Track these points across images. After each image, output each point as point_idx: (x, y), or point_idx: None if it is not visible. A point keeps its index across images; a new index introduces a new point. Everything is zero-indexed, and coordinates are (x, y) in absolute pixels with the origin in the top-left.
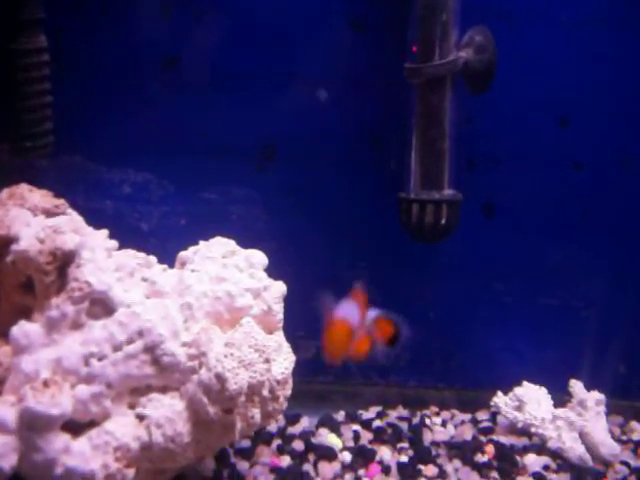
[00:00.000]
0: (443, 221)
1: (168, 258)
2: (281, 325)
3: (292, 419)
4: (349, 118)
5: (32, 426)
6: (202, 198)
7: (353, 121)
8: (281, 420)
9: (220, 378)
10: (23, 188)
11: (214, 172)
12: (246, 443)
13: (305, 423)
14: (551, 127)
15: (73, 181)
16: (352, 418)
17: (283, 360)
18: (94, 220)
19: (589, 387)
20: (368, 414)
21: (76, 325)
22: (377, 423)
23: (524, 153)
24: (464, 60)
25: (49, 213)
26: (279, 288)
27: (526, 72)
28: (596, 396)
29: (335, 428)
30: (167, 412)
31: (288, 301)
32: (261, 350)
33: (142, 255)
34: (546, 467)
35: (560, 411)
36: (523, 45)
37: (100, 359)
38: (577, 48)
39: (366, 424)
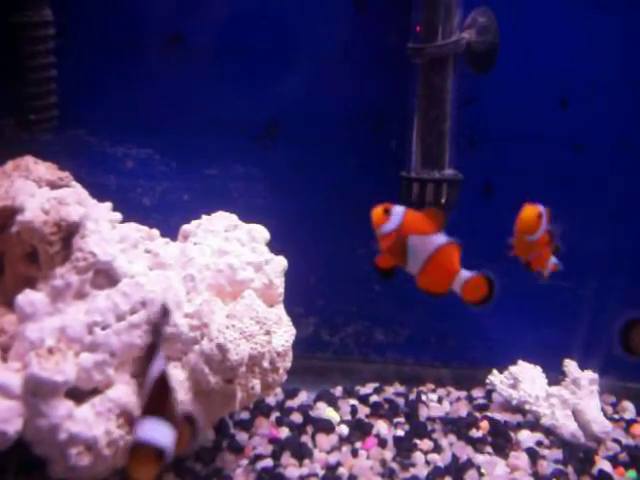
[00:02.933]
0: (443, 200)
1: (170, 234)
2: (282, 299)
3: (290, 393)
4: (351, 96)
5: (37, 392)
6: (205, 174)
7: (355, 99)
8: (280, 394)
9: (222, 348)
10: (28, 160)
11: (217, 148)
12: (245, 415)
13: (303, 397)
14: (552, 108)
15: (76, 156)
16: (349, 393)
17: (283, 333)
18: (97, 195)
19: (583, 367)
20: (365, 389)
21: (80, 295)
22: (374, 398)
23: (525, 134)
24: (467, 41)
25: (53, 185)
26: (280, 262)
27: (528, 53)
28: (589, 375)
29: (333, 402)
30: None
31: (288, 278)
32: (262, 322)
33: (145, 228)
34: (539, 443)
35: (554, 389)
36: (526, 26)
37: (104, 328)
38: (579, 30)
39: (363, 399)
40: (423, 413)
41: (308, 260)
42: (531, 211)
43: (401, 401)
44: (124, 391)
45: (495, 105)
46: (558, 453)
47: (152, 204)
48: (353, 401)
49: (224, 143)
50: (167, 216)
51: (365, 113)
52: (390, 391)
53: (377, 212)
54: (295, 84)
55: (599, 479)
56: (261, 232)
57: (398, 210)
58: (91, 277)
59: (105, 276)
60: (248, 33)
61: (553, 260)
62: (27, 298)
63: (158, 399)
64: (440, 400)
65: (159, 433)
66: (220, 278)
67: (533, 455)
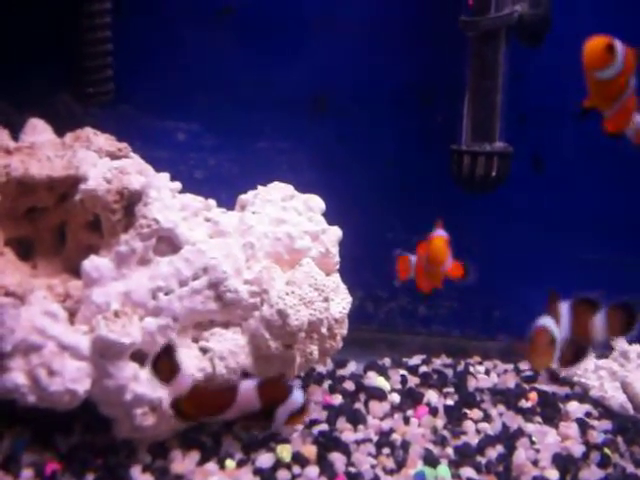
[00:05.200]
0: (494, 173)
1: (221, 207)
2: (337, 267)
3: (340, 363)
4: (399, 70)
5: (104, 353)
6: (254, 148)
7: (403, 73)
8: (329, 364)
9: (282, 314)
10: (88, 131)
11: (266, 122)
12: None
13: (353, 367)
14: None
15: (128, 130)
16: (398, 364)
17: (341, 300)
18: None
19: (631, 342)
20: (413, 361)
21: (144, 261)
22: (423, 369)
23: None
24: (519, 14)
25: (113, 156)
26: (336, 232)
27: (579, 27)
28: (638, 349)
29: (383, 372)
30: (230, 346)
31: None
32: (320, 289)
33: (201, 199)
34: (588, 414)
35: (602, 362)
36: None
37: (167, 293)
38: (632, 4)
39: (412, 369)
40: (471, 384)
41: (354, 233)
42: (598, 41)
43: (449, 372)
44: (186, 355)
45: (545, 79)
46: (607, 424)
47: (203, 177)
48: (402, 371)
49: (273, 117)
50: (217, 190)
51: (413, 87)
52: (437, 362)
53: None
54: (343, 58)
55: None
56: (317, 202)
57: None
58: (154, 244)
59: (168, 243)
60: (297, 6)
61: None
62: (93, 263)
63: None
64: (487, 372)
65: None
66: (278, 246)
67: (583, 425)
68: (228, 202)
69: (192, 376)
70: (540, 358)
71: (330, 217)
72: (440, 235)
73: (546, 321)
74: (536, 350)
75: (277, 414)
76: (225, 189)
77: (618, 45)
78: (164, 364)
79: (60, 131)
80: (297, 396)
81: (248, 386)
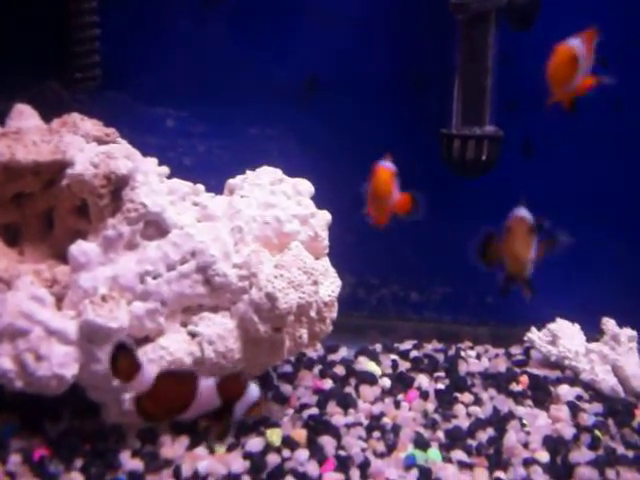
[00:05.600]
0: (484, 157)
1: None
2: (327, 251)
3: (331, 349)
4: (390, 54)
5: (92, 338)
6: (244, 134)
7: (394, 57)
8: (320, 349)
9: (271, 297)
10: (75, 117)
11: (256, 108)
12: (288, 368)
13: (344, 352)
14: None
15: (116, 116)
16: (389, 349)
17: (330, 284)
18: None
19: (622, 326)
20: (404, 346)
21: (131, 245)
22: (414, 353)
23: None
24: None
25: (100, 141)
26: (325, 216)
27: (569, 11)
28: (629, 332)
29: (374, 357)
30: (219, 330)
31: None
32: (309, 272)
33: (189, 184)
34: (579, 397)
35: (593, 345)
36: None
37: (155, 277)
38: None
39: (403, 354)
40: (462, 368)
41: (345, 220)
42: (562, 55)
43: (440, 357)
44: (175, 339)
45: (534, 63)
46: (598, 407)
47: (193, 164)
48: (393, 356)
49: (262, 103)
50: (207, 176)
51: (404, 72)
52: (429, 347)
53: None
54: (332, 44)
55: None
56: (306, 186)
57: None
58: (142, 228)
59: (155, 227)
60: None
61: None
62: (80, 248)
63: None
64: (479, 356)
65: None
66: (267, 230)
67: (574, 408)
68: (218, 188)
69: (153, 374)
70: (519, 248)
71: (320, 202)
72: (384, 167)
73: (522, 211)
74: (515, 240)
75: (235, 409)
76: (215, 176)
77: (579, 50)
78: (123, 363)
79: (48, 118)
80: (253, 390)
81: (208, 384)
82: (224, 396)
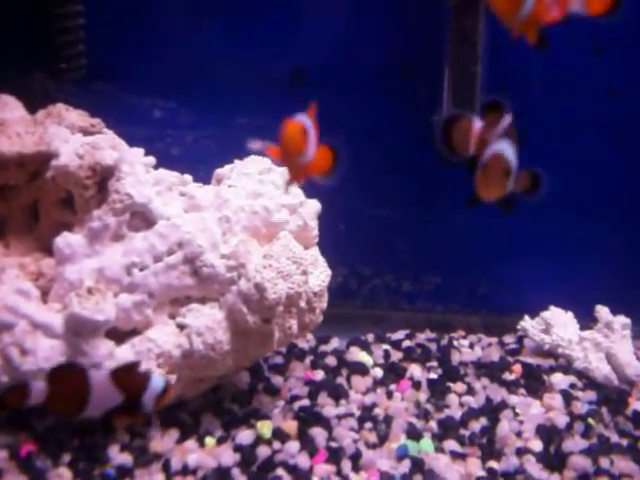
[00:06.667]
0: None
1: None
2: (316, 241)
3: (323, 339)
4: (378, 44)
5: (78, 331)
6: (232, 124)
7: (384, 47)
8: (312, 340)
9: (259, 288)
10: (60, 107)
11: (245, 98)
12: (279, 359)
13: (335, 343)
14: (585, 54)
15: (103, 107)
16: (381, 339)
17: (320, 273)
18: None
19: (615, 314)
20: (397, 335)
21: (117, 236)
22: (406, 343)
23: (557, 79)
24: None
25: (86, 132)
26: (314, 205)
27: None
28: (622, 320)
29: (366, 347)
30: (207, 321)
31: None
32: (299, 262)
33: (176, 174)
34: (572, 385)
35: (587, 333)
36: None
37: (141, 269)
38: None
39: (395, 344)
40: (455, 358)
41: (336, 208)
42: None
43: (433, 346)
44: (163, 331)
45: (525, 49)
46: (592, 395)
47: (180, 154)
48: (385, 346)
49: (251, 93)
50: (195, 166)
51: (394, 61)
52: (421, 337)
53: None
54: (322, 32)
55: (634, 419)
56: None
57: None
58: (128, 219)
59: (141, 218)
60: None
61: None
62: (65, 240)
63: None
64: (472, 346)
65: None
66: (255, 220)
67: (567, 396)
68: (206, 179)
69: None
70: (491, 189)
71: (311, 192)
72: (296, 121)
73: (503, 146)
74: (488, 180)
75: (143, 402)
76: (203, 166)
77: None
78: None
79: (34, 109)
80: (157, 380)
81: (100, 376)
82: (124, 389)
